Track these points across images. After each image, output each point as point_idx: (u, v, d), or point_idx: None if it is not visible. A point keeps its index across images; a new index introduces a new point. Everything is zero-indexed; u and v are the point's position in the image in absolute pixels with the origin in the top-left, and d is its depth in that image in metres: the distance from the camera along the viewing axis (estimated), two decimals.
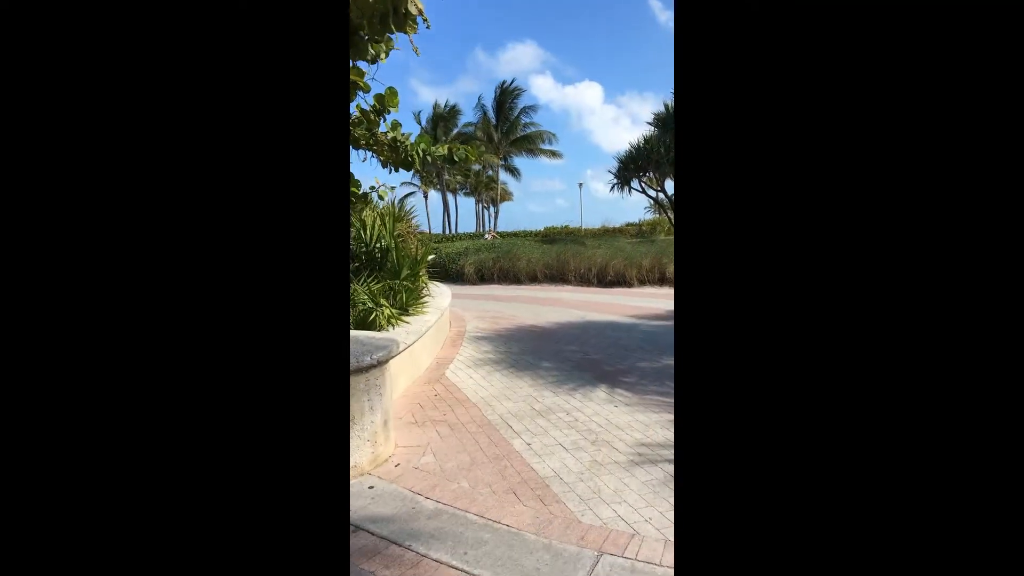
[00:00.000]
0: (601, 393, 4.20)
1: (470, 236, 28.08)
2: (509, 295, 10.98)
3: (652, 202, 21.04)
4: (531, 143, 31.51)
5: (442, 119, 30.78)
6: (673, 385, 4.22)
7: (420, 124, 31.26)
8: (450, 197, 40.19)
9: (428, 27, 2.14)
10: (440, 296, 6.40)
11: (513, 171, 38.49)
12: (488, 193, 37.68)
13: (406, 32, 2.05)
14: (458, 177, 38.40)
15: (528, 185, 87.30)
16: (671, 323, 7.15)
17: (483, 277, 13.63)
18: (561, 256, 13.09)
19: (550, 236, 26.25)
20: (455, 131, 31.57)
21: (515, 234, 31.41)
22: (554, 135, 32.60)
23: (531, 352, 5.64)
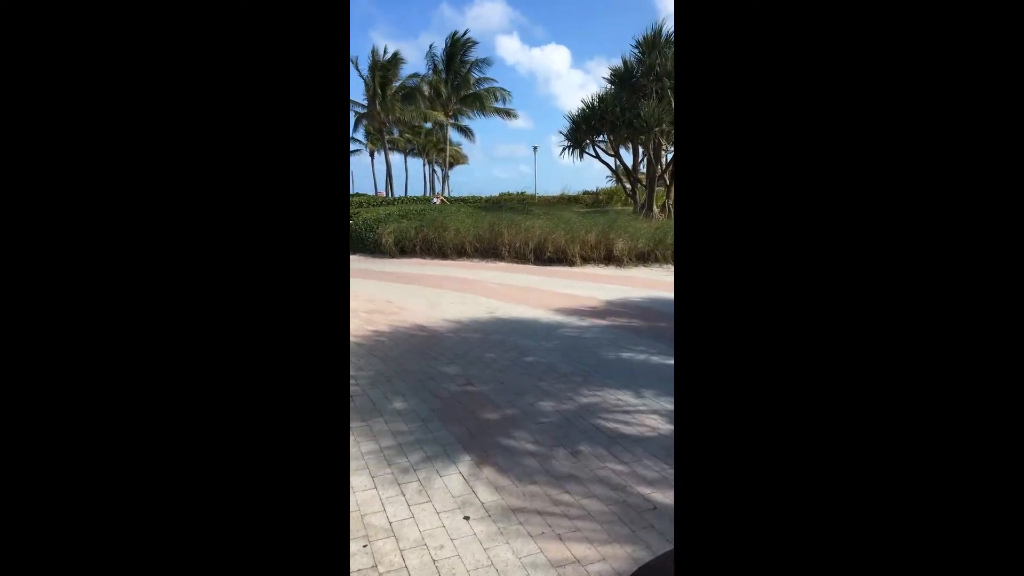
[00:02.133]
0: (456, 479, 2.43)
1: (415, 201, 25.86)
2: (420, 274, 9.09)
3: (610, 170, 19.27)
4: (482, 101, 29.06)
5: (381, 68, 27.87)
6: (582, 460, 2.41)
7: (358, 71, 28.24)
8: (399, 158, 37.51)
9: None
10: None
11: (466, 131, 35.99)
12: (439, 155, 35.16)
13: None
14: (406, 135, 35.70)
15: (492, 149, 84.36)
16: (606, 323, 5.45)
17: (404, 249, 11.66)
18: (494, 227, 11.22)
19: (499, 203, 24.36)
20: (396, 83, 28.75)
21: (465, 200, 29.42)
22: (508, 92, 30.19)
23: (390, 377, 3.82)
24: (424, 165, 38.65)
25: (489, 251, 11.09)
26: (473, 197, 31.10)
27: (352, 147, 37.10)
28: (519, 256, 10.79)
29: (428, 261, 10.92)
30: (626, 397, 3.42)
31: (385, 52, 28.78)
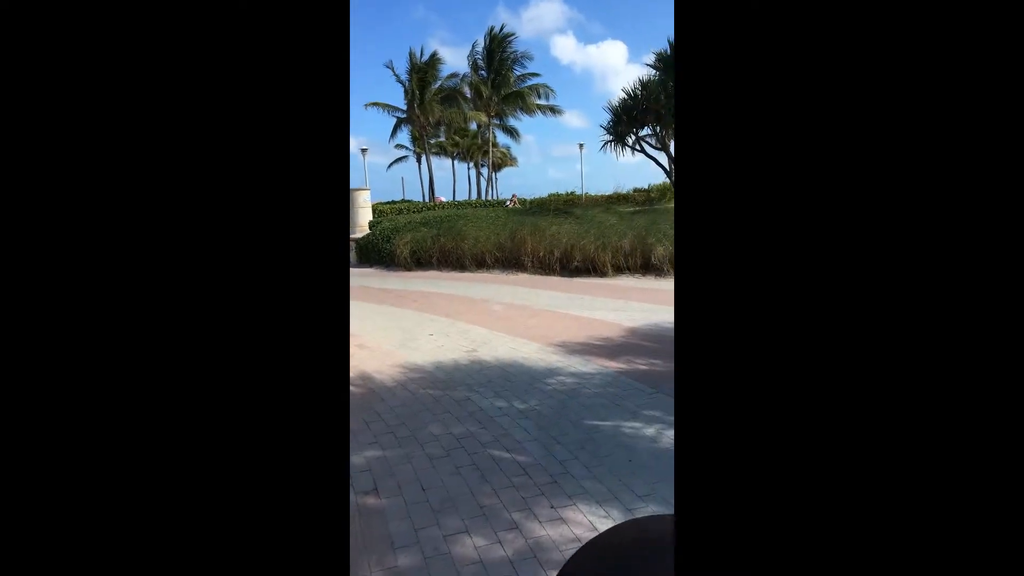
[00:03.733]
0: None
1: (472, 205, 25.01)
2: (422, 292, 7.98)
3: (659, 166, 17.46)
4: (524, 99, 27.89)
5: (419, 70, 27.12)
6: None
7: (395, 75, 27.61)
8: (447, 163, 36.98)
9: None
10: None
11: (512, 132, 34.98)
12: (484, 158, 34.23)
13: None
14: (453, 138, 35.06)
15: (548, 149, 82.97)
16: (617, 367, 4.10)
17: (420, 261, 10.60)
18: (517, 234, 9.96)
19: (544, 205, 23.22)
20: (436, 84, 27.96)
21: (496, 203, 28.46)
22: (552, 89, 28.91)
23: None
24: (469, 168, 37.89)
25: (511, 261, 9.86)
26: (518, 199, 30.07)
27: (400, 153, 36.90)
28: (543, 266, 9.49)
29: (443, 275, 9.81)
30: (609, 521, 2.11)
31: (422, 53, 28.00)
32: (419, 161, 34.94)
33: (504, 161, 41.07)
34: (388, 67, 28.83)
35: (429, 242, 10.59)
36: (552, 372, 4.01)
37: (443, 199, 31.76)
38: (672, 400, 3.51)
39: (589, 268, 9.15)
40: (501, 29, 27.30)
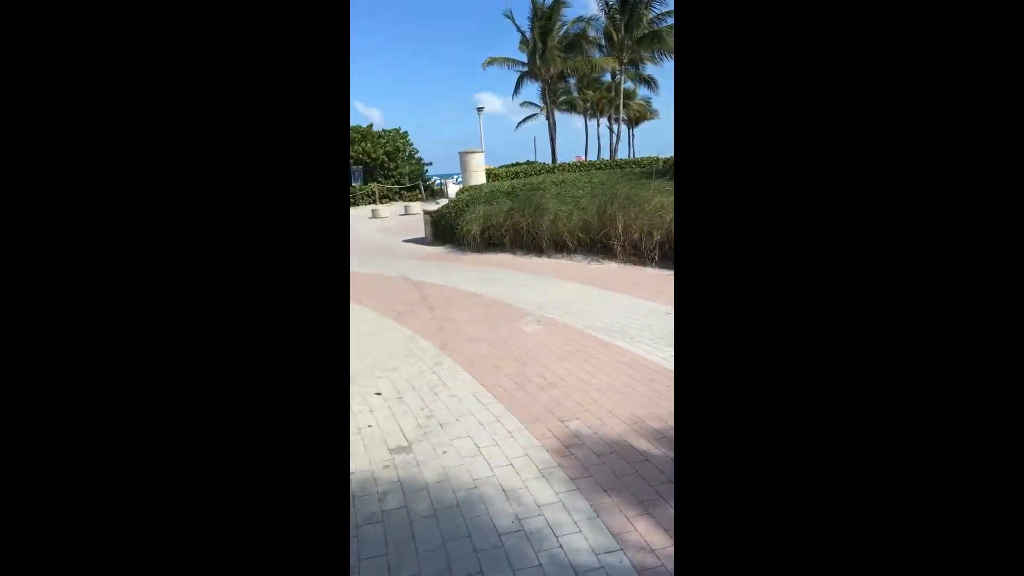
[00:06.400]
0: None
1: (599, 167, 22.39)
2: (447, 288, 6.03)
3: None
4: (663, 40, 24.06)
5: (542, 17, 24.47)
6: None
7: (516, 24, 25.23)
8: (578, 119, 34.32)
9: None
10: None
11: (648, 81, 31.08)
12: (615, 111, 30.86)
13: None
14: (586, 91, 32.08)
15: None
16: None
17: (491, 241, 8.67)
18: (606, 211, 7.53)
19: (661, 169, 19.79)
20: (560, 30, 25.15)
21: (620, 164, 25.28)
22: None
23: None
24: (597, 125, 34.69)
25: (598, 245, 7.52)
26: (646, 159, 26.65)
27: (528, 111, 34.86)
28: (635, 253, 7.03)
29: (517, 259, 7.80)
30: None
31: None
32: (548, 118, 32.59)
33: (643, 114, 37.01)
34: (508, 16, 26.58)
35: (501, 218, 8.58)
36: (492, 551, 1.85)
37: (582, 158, 29.23)
38: None
39: None
40: None
